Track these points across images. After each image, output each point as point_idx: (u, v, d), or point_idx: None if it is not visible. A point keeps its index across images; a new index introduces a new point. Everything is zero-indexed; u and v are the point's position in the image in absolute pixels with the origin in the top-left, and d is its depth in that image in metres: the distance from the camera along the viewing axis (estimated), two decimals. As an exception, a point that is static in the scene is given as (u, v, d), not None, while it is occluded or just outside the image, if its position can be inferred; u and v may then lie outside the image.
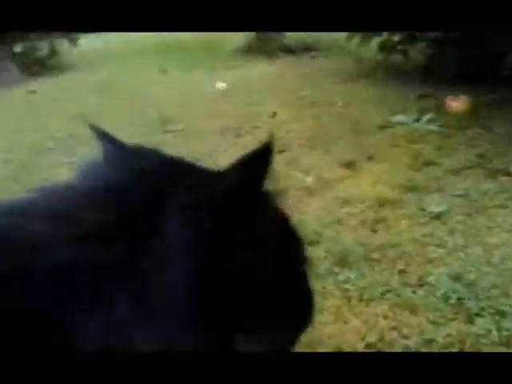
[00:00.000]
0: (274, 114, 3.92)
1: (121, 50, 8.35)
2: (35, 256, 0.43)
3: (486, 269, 1.78)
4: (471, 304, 1.60)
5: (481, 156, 2.74)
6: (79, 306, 0.43)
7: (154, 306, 0.46)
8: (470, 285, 1.69)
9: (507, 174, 2.49)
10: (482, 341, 1.43)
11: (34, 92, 5.76)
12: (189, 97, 4.74)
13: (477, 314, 1.55)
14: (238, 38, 6.51)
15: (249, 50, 6.34)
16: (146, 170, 0.55)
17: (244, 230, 0.54)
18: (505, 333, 1.46)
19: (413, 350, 1.46)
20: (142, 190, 0.51)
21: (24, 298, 0.41)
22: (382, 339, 1.52)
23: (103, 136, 0.63)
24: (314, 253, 1.95)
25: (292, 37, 6.31)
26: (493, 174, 2.52)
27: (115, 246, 0.46)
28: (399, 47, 4.62)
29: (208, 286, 0.49)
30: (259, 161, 0.54)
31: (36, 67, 7.13)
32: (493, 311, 1.55)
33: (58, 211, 0.47)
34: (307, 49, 6.08)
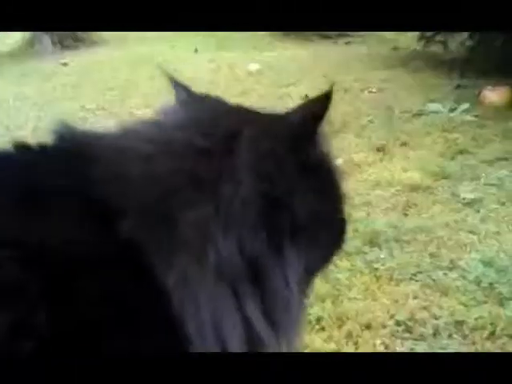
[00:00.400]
0: (306, 97, 3.90)
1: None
2: (145, 167, 0.56)
3: (519, 256, 1.77)
4: (503, 289, 1.59)
5: (516, 148, 2.70)
6: (172, 206, 0.55)
7: (229, 213, 0.56)
8: (501, 270, 1.68)
9: (543, 166, 2.45)
10: (515, 323, 1.43)
11: (65, 64, 5.82)
12: (221, 76, 4.74)
13: (509, 298, 1.54)
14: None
15: (284, 33, 6.30)
16: (219, 109, 0.68)
17: (302, 161, 0.64)
18: (537, 319, 1.45)
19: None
20: (219, 123, 0.63)
21: (128, 198, 0.54)
22: (411, 318, 1.52)
23: (177, 84, 0.73)
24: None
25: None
26: (528, 166, 2.48)
27: (201, 163, 0.58)
28: (438, 38, 4.54)
29: (268, 200, 0.60)
30: (320, 104, 0.62)
31: (69, 40, 7.19)
32: (525, 297, 1.54)
33: (155, 137, 0.61)
34: (342, 35, 6.01)
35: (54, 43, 6.96)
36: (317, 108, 0.63)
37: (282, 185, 0.61)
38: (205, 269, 0.55)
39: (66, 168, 0.55)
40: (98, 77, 5.09)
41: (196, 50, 5.93)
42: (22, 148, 0.58)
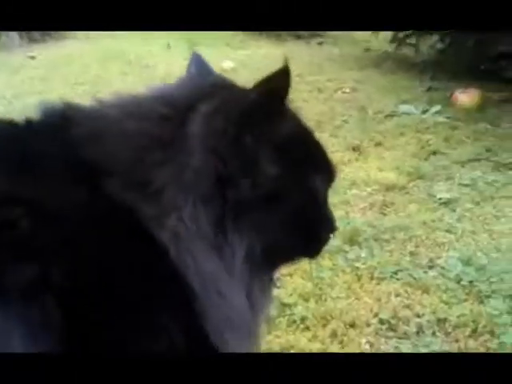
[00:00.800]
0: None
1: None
2: (118, 131, 0.64)
3: (495, 255, 1.81)
4: (483, 286, 1.62)
5: (488, 149, 2.76)
6: (146, 165, 0.61)
7: (183, 180, 0.61)
8: (480, 269, 1.72)
9: (514, 168, 2.52)
10: (496, 320, 1.46)
11: (33, 58, 5.66)
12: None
13: (488, 296, 1.57)
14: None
15: (255, 32, 6.28)
16: (198, 85, 0.73)
17: (262, 138, 0.65)
18: (516, 316, 1.49)
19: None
20: (188, 96, 0.68)
21: (110, 159, 0.61)
22: (395, 316, 1.53)
23: (195, 59, 0.80)
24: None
25: (299, 22, 6.26)
26: (499, 167, 2.54)
27: (165, 129, 0.64)
28: (410, 40, 4.61)
29: (219, 175, 0.63)
30: (278, 80, 0.64)
31: (36, 33, 6.98)
32: (504, 294, 1.58)
33: (129, 107, 0.68)
34: (314, 35, 6.03)
35: (20, 36, 6.75)
36: (274, 84, 0.64)
37: (234, 162, 0.63)
38: (188, 227, 0.60)
39: (55, 137, 0.61)
40: (67, 71, 4.96)
41: (169, 46, 5.86)
42: (12, 124, 0.62)
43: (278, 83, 0.64)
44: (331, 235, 0.80)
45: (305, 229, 0.73)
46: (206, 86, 0.72)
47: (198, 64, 0.79)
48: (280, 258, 0.76)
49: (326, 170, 0.77)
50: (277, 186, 0.67)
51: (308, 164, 0.73)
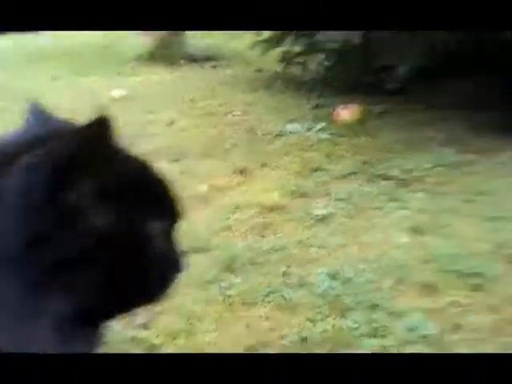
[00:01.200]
0: (172, 123, 3.89)
1: (7, 54, 7.84)
2: None
3: (362, 266, 1.88)
4: (347, 299, 1.67)
5: (365, 162, 2.89)
6: None
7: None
8: (346, 282, 1.78)
9: (386, 178, 2.65)
10: (354, 333, 1.51)
11: None
12: (83, 103, 4.56)
13: (350, 309, 1.63)
14: (139, 44, 6.39)
15: (150, 57, 6.23)
16: (32, 134, 0.69)
17: (84, 189, 0.62)
18: (373, 325, 1.55)
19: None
20: (14, 148, 0.64)
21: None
22: (260, 341, 1.54)
23: (33, 109, 0.74)
24: (202, 260, 1.95)
25: (194, 45, 6.30)
26: (374, 179, 2.67)
27: None
28: (297, 59, 4.76)
29: (34, 233, 0.60)
30: (92, 130, 0.61)
31: None
32: (367, 304, 1.64)
33: None
34: (209, 58, 6.09)
35: None
36: (90, 135, 0.61)
37: (50, 219, 0.61)
38: None
39: None
40: None
41: (55, 77, 5.64)
42: None
43: (93, 133, 0.61)
44: (176, 276, 0.78)
45: (137, 277, 0.71)
46: (39, 135, 0.68)
47: (36, 113, 0.75)
48: (110, 310, 0.73)
49: (165, 211, 0.74)
50: (102, 238, 0.63)
51: (141, 208, 0.68)
